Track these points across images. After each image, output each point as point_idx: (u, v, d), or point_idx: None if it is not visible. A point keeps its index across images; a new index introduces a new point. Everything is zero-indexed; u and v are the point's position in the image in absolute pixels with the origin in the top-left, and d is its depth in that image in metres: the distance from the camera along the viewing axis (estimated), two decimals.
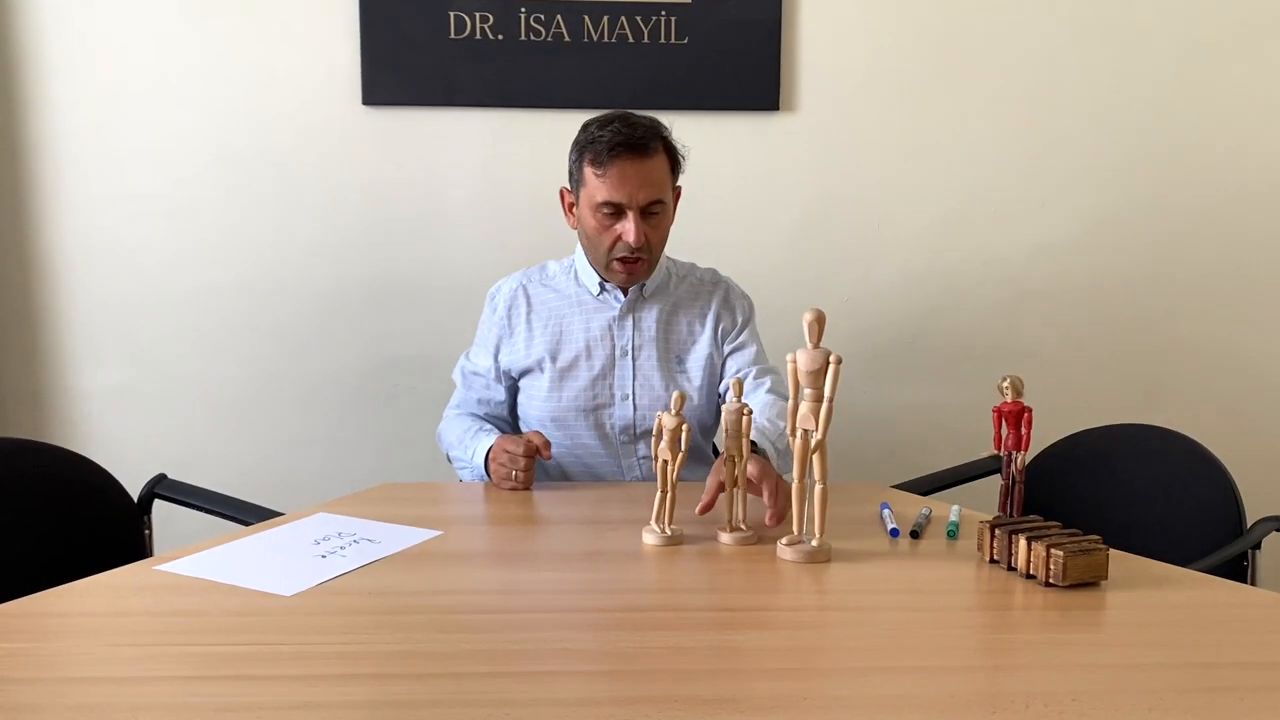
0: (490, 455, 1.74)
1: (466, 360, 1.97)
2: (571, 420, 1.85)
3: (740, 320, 1.93)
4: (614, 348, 1.86)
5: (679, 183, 1.86)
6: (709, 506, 1.42)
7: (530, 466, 1.68)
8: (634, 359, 1.86)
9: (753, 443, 1.52)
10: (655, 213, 1.78)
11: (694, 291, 1.94)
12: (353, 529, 1.38)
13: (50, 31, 2.34)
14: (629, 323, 1.87)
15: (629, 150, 1.71)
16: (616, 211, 1.75)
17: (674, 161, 1.81)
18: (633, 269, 1.80)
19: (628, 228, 1.74)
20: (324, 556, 1.25)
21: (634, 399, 1.85)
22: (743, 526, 1.37)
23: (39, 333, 2.45)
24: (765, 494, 1.40)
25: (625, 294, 1.87)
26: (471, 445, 1.80)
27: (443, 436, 1.93)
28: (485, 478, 1.76)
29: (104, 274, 2.43)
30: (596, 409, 1.85)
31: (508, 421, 1.96)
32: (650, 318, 1.88)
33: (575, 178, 1.81)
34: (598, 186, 1.74)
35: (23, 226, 2.41)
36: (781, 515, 1.38)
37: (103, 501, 1.69)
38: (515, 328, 1.90)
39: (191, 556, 1.24)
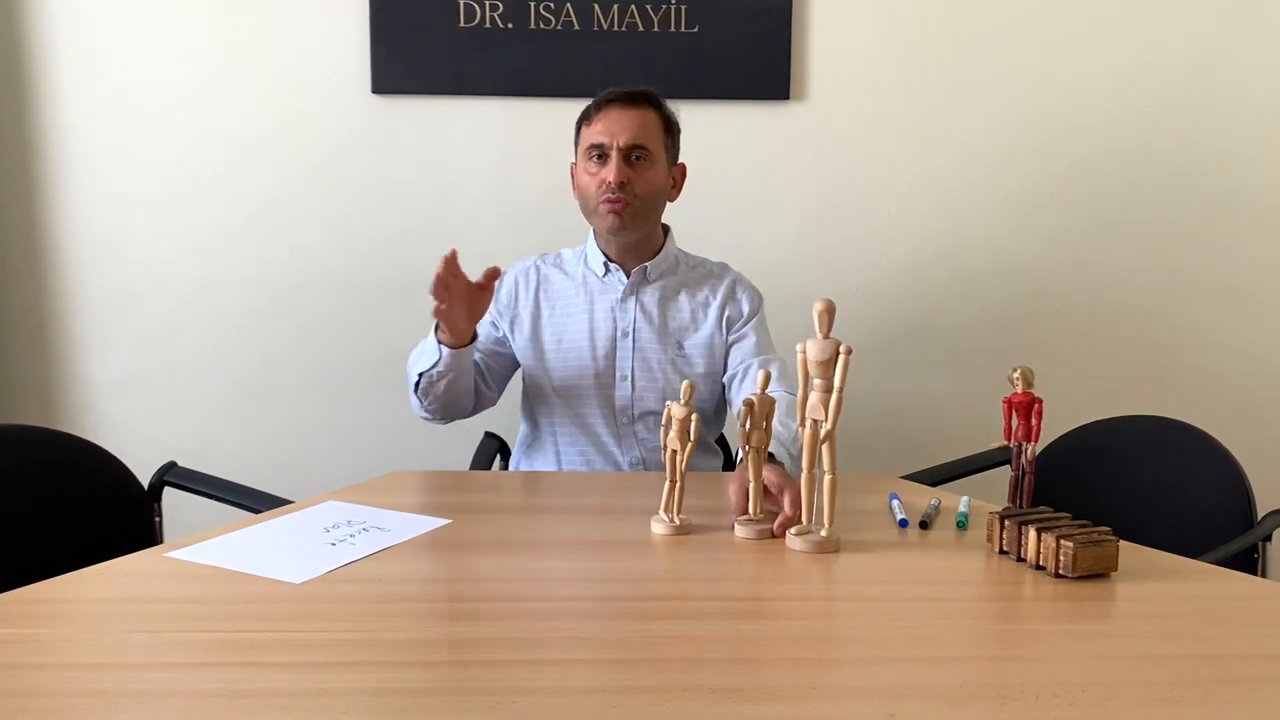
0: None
1: None
2: (577, 397, 1.87)
3: (746, 311, 1.93)
4: (616, 328, 1.88)
5: (680, 160, 1.91)
6: (742, 510, 1.38)
7: (447, 274, 1.62)
8: (634, 340, 1.88)
9: (769, 454, 1.48)
10: (640, 158, 1.82)
11: (701, 279, 1.96)
12: (362, 517, 1.39)
13: (58, 22, 2.35)
14: (631, 303, 1.90)
15: (617, 100, 1.83)
16: (602, 156, 1.82)
17: (667, 124, 1.87)
18: (615, 209, 1.81)
19: (609, 168, 1.80)
20: (334, 544, 1.25)
21: (632, 379, 1.87)
22: (758, 517, 1.36)
23: (49, 321, 2.46)
24: (786, 503, 1.34)
25: (629, 275, 1.89)
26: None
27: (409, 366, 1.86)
28: (438, 354, 1.73)
29: (114, 263, 2.43)
30: (600, 388, 1.87)
31: (488, 367, 1.92)
32: (652, 300, 1.91)
33: (575, 144, 1.90)
34: (587, 135, 1.84)
35: (32, 216, 2.41)
36: (786, 526, 1.33)
37: (113, 489, 1.69)
38: (520, 311, 1.93)
39: (202, 544, 1.24)
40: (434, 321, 1.73)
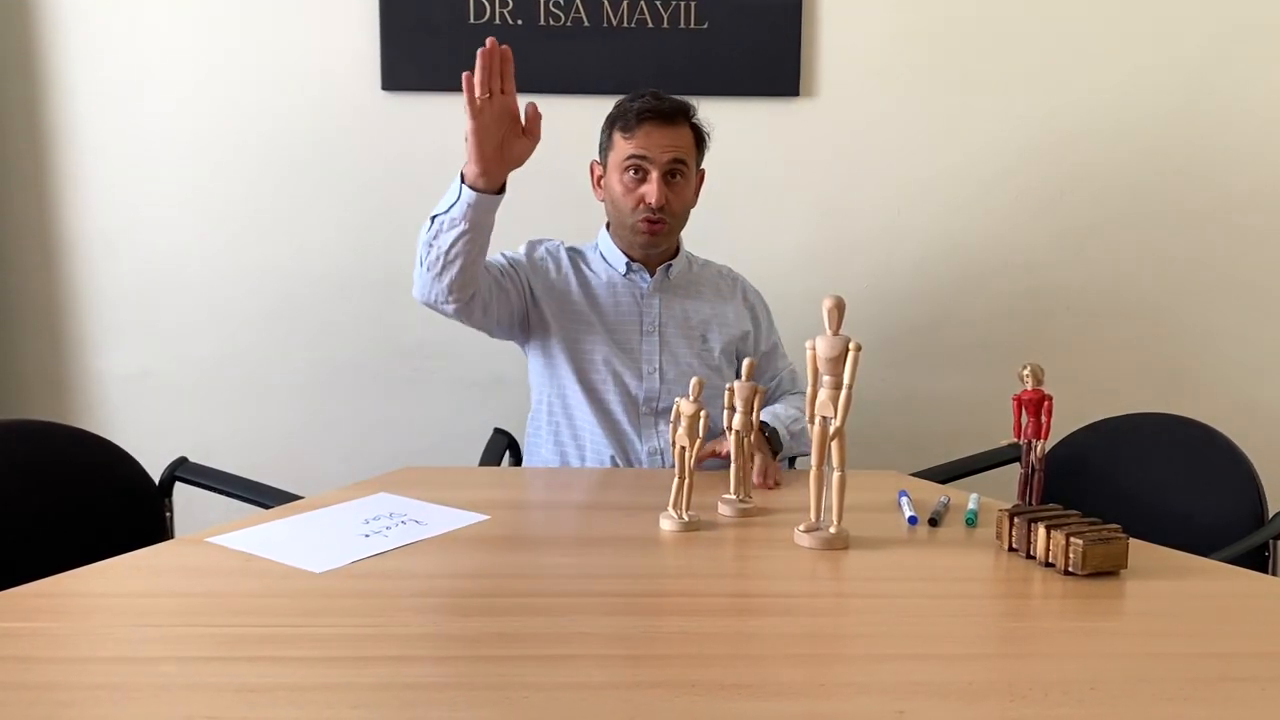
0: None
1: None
2: (602, 384, 1.88)
3: (765, 318, 2.04)
4: (641, 324, 1.91)
5: (702, 166, 1.94)
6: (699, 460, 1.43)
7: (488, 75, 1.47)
8: (661, 335, 1.91)
9: (764, 422, 1.63)
10: (678, 174, 1.85)
11: (715, 281, 2.02)
12: (404, 510, 1.40)
13: (70, 19, 2.35)
14: (656, 301, 1.93)
15: (656, 116, 1.82)
16: (641, 172, 1.83)
17: (699, 139, 1.89)
18: (654, 230, 1.85)
19: (650, 188, 1.82)
20: (367, 536, 1.27)
21: (660, 372, 1.89)
22: (745, 498, 1.45)
23: (61, 317, 2.47)
24: (755, 470, 1.56)
25: (651, 275, 1.93)
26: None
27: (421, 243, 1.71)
28: (454, 194, 1.62)
29: (125, 258, 2.44)
30: (623, 378, 1.88)
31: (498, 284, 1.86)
32: (675, 299, 1.94)
33: (604, 147, 1.91)
34: (624, 148, 1.84)
35: (44, 212, 2.42)
36: (762, 480, 1.58)
37: (124, 484, 1.70)
38: (559, 274, 1.93)
39: (241, 531, 1.26)
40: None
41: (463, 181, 1.59)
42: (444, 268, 1.66)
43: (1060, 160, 2.47)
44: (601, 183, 1.93)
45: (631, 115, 1.83)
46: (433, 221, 1.65)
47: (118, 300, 2.46)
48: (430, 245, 1.66)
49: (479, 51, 1.46)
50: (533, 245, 1.98)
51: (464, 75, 1.47)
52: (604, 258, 1.96)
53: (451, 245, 1.63)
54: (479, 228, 1.62)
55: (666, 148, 1.82)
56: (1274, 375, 2.55)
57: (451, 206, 1.61)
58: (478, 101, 1.48)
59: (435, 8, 2.35)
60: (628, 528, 1.36)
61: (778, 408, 1.88)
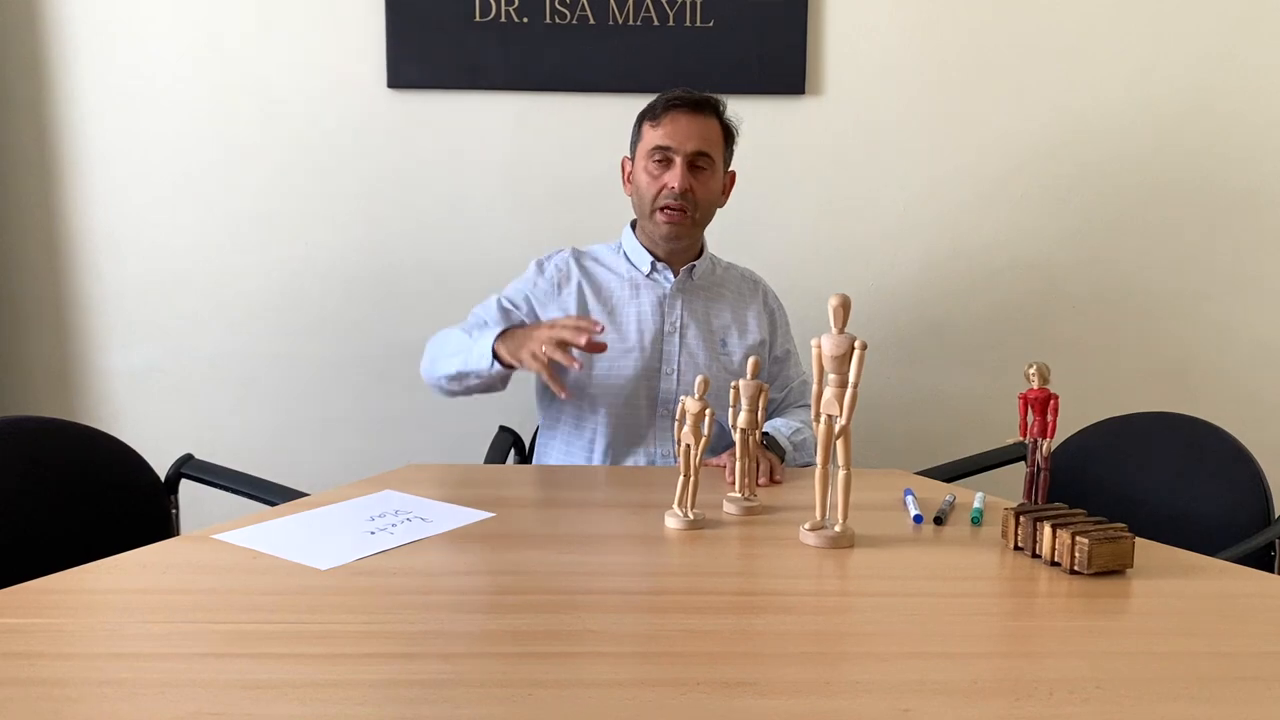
0: (512, 332, 1.72)
1: (494, 299, 1.95)
2: (619, 387, 1.87)
3: (782, 325, 2.04)
4: (663, 324, 1.91)
5: (732, 166, 1.95)
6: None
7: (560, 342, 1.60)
8: (681, 336, 1.91)
9: (766, 434, 1.64)
10: (702, 167, 1.86)
11: (738, 285, 2.02)
12: (410, 507, 1.40)
13: (75, 17, 2.36)
14: (679, 302, 1.92)
15: (683, 105, 1.85)
16: (666, 160, 1.84)
17: (727, 136, 1.90)
18: (675, 219, 1.86)
19: (673, 174, 1.83)
20: (372, 533, 1.27)
21: (678, 373, 1.89)
22: (750, 496, 1.46)
23: (67, 314, 2.47)
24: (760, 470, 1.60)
25: (675, 275, 1.93)
26: (481, 334, 1.78)
27: (431, 348, 1.90)
28: (485, 367, 1.72)
29: (130, 256, 2.45)
30: (646, 378, 1.88)
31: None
32: (698, 300, 1.94)
33: (634, 141, 1.93)
34: (651, 136, 1.86)
35: (51, 210, 2.43)
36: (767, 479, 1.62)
37: (130, 480, 1.70)
38: (563, 294, 1.92)
39: (246, 528, 1.27)
40: (475, 320, 1.85)
41: (494, 356, 1.71)
42: (464, 392, 1.84)
43: (1067, 159, 2.47)
44: (631, 179, 1.94)
45: (660, 105, 1.86)
46: (455, 359, 1.79)
47: (123, 297, 2.47)
48: (452, 379, 1.81)
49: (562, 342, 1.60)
50: (540, 265, 1.96)
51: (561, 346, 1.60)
52: (627, 256, 1.96)
53: (475, 388, 1.82)
54: (504, 378, 1.80)
55: (692, 136, 1.83)
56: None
57: (480, 373, 1.75)
58: (562, 390, 1.66)
59: (441, 5, 2.35)
60: (633, 526, 1.36)
61: (779, 421, 1.88)
